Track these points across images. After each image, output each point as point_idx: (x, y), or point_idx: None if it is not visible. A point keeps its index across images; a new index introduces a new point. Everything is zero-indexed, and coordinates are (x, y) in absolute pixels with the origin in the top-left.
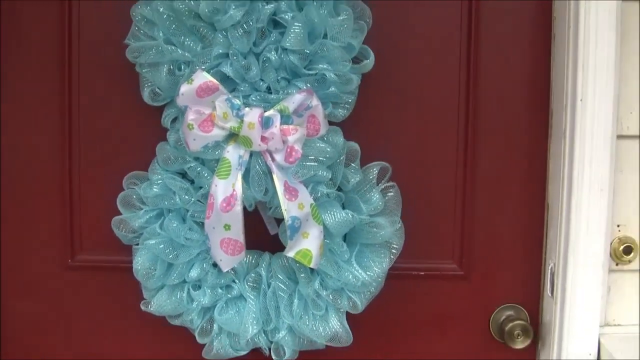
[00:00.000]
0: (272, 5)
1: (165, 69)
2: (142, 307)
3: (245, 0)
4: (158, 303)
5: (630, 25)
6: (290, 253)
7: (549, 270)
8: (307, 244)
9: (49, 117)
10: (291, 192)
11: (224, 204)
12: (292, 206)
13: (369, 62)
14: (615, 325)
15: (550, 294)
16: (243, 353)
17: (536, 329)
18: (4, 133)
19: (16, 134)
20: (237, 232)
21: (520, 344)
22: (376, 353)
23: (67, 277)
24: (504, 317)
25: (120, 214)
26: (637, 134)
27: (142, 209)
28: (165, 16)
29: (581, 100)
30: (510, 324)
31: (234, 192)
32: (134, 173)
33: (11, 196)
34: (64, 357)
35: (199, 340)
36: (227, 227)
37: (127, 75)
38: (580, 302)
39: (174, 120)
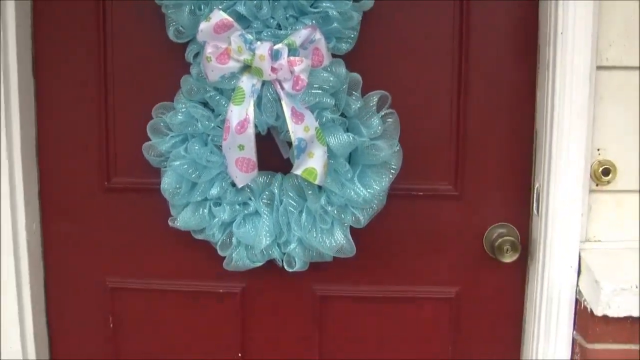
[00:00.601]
0: None
1: (187, 9)
2: (170, 223)
3: None
4: (183, 219)
5: None
6: (298, 171)
7: (536, 191)
8: (313, 163)
9: (86, 53)
10: (298, 116)
11: (238, 127)
12: (298, 129)
13: (369, 2)
14: (595, 241)
15: (536, 213)
16: (259, 264)
17: (525, 245)
18: (42, 68)
19: (54, 67)
20: (250, 152)
21: (509, 258)
22: (377, 265)
23: (104, 198)
24: (495, 234)
25: (150, 140)
26: (616, 65)
27: (168, 134)
28: None
29: (562, 33)
30: (500, 240)
31: (247, 117)
32: (161, 103)
33: (51, 126)
34: (102, 271)
35: (220, 252)
36: (241, 147)
37: (155, 15)
38: (562, 219)
39: (196, 55)
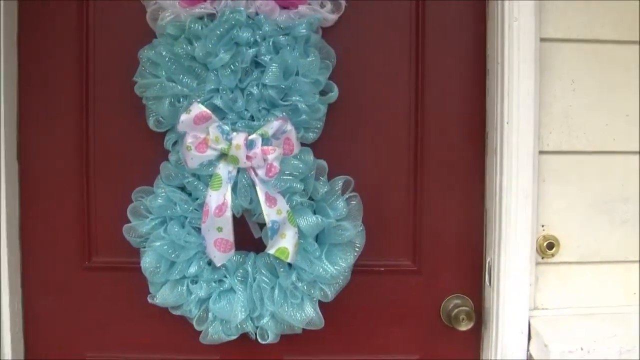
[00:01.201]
0: (254, 49)
1: (167, 102)
2: (149, 300)
3: (232, 45)
4: (162, 296)
5: (547, 61)
6: (271, 250)
7: (487, 265)
8: (285, 243)
9: (69, 140)
10: (271, 200)
11: (217, 211)
12: (271, 212)
13: (334, 94)
14: (542, 308)
15: (489, 284)
16: (233, 337)
17: (479, 313)
18: (25, 156)
19: (36, 154)
20: (228, 233)
21: (465, 326)
22: (343, 335)
23: (84, 276)
24: (452, 305)
25: (129, 222)
26: (556, 149)
27: (148, 217)
28: (167, 58)
29: (507, 122)
30: (456, 310)
31: (225, 201)
32: (141, 188)
33: (33, 208)
34: (82, 345)
35: (197, 327)
36: (219, 229)
37: (135, 106)
38: (512, 290)
39: (175, 143)
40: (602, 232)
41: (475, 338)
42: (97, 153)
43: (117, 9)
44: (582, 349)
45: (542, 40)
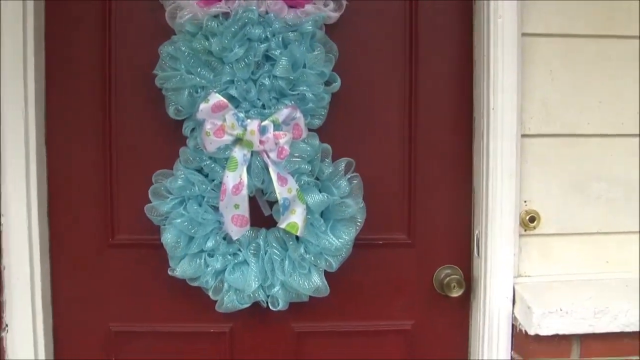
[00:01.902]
0: (265, 45)
1: (186, 92)
2: (169, 273)
3: (245, 41)
4: (181, 269)
5: (528, 54)
6: (283, 225)
7: (476, 237)
8: (295, 218)
9: (93, 130)
10: (282, 180)
11: (234, 189)
12: (283, 190)
13: (337, 85)
14: (525, 276)
15: (477, 255)
16: (246, 305)
17: (468, 282)
18: (52, 141)
19: (63, 140)
20: (244, 210)
21: (455, 293)
22: (346, 303)
23: (108, 253)
24: (443, 274)
25: (150, 202)
26: (536, 133)
27: (168, 197)
28: (186, 53)
29: (493, 109)
30: (447, 278)
31: (241, 181)
32: (161, 171)
33: (60, 191)
34: (106, 317)
35: (213, 296)
36: (236, 206)
37: (154, 97)
38: (498, 259)
39: (192, 130)
40: (578, 207)
41: (465, 304)
42: (120, 140)
43: (136, 8)
44: (560, 310)
45: (524, 35)
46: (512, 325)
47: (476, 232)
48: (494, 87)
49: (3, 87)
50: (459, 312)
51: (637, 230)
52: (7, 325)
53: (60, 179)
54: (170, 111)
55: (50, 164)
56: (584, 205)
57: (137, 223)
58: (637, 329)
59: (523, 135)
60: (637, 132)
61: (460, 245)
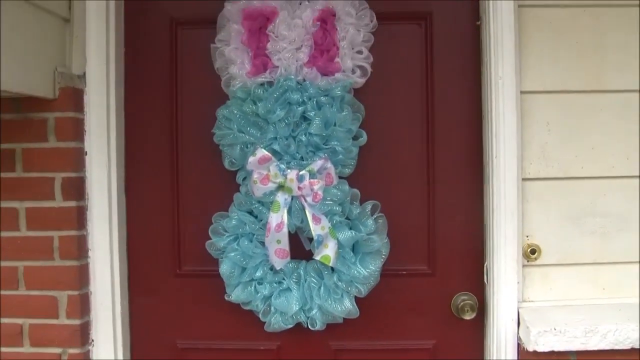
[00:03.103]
0: (302, 107)
1: (238, 148)
2: (226, 298)
3: (286, 104)
4: (236, 294)
5: (527, 108)
6: (317, 257)
7: (485, 268)
8: (327, 251)
9: (164, 177)
10: (317, 219)
11: (277, 228)
12: (317, 228)
13: (363, 139)
14: (529, 301)
15: (487, 283)
16: (290, 326)
17: (481, 306)
18: (130, 190)
19: (139, 189)
20: (285, 244)
21: (469, 316)
22: (374, 324)
23: (175, 281)
24: (460, 300)
25: (210, 239)
26: (536, 177)
27: (224, 234)
28: (238, 115)
29: (496, 157)
30: (462, 303)
31: (282, 220)
32: (219, 213)
33: (137, 230)
34: (174, 335)
35: (262, 318)
36: (278, 241)
37: (214, 151)
38: (505, 287)
39: (244, 179)
40: (575, 241)
41: (479, 325)
42: (186, 187)
43: (198, 78)
44: (554, 329)
45: (522, 92)
46: (518, 344)
47: (486, 263)
48: (496, 138)
49: (91, 146)
50: (473, 333)
51: (629, 260)
52: (93, 340)
53: (136, 221)
54: (226, 163)
55: (129, 208)
56: (580, 239)
57: (200, 256)
58: (628, 347)
59: (524, 179)
60: (626, 174)
61: (474, 275)
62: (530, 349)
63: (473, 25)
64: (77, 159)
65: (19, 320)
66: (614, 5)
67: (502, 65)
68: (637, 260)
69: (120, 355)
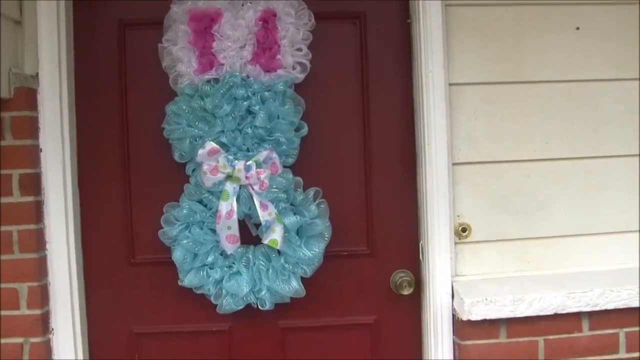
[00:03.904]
0: (247, 102)
1: (187, 141)
2: (179, 283)
3: (232, 99)
4: (188, 280)
5: (455, 99)
6: (266, 241)
7: (421, 246)
8: (275, 235)
9: (116, 170)
10: (264, 206)
11: (227, 215)
12: (265, 214)
13: (304, 130)
14: (461, 275)
15: (422, 260)
16: (241, 307)
17: (417, 282)
18: (83, 182)
19: (91, 181)
20: (235, 230)
21: (407, 291)
22: (320, 303)
23: (129, 269)
24: (398, 277)
25: (162, 228)
26: (464, 161)
27: (176, 223)
28: (186, 110)
29: (428, 144)
30: (400, 280)
31: (232, 208)
32: (170, 203)
33: (91, 220)
34: (129, 321)
35: (214, 301)
36: (229, 227)
37: (163, 145)
38: (439, 263)
39: (193, 170)
40: (501, 219)
41: (416, 300)
42: (137, 180)
43: (146, 76)
44: (486, 299)
45: (451, 84)
46: (453, 315)
47: (421, 241)
48: (427, 127)
49: (46, 143)
50: (411, 307)
51: (551, 235)
52: (53, 329)
53: (90, 213)
54: (176, 156)
55: (83, 202)
56: (506, 217)
57: (152, 245)
58: (551, 313)
59: (454, 164)
60: (546, 157)
61: (410, 253)
62: (465, 318)
63: (404, 23)
64: (33, 156)
65: None
66: (533, 4)
67: (432, 60)
68: (559, 234)
69: (79, 343)
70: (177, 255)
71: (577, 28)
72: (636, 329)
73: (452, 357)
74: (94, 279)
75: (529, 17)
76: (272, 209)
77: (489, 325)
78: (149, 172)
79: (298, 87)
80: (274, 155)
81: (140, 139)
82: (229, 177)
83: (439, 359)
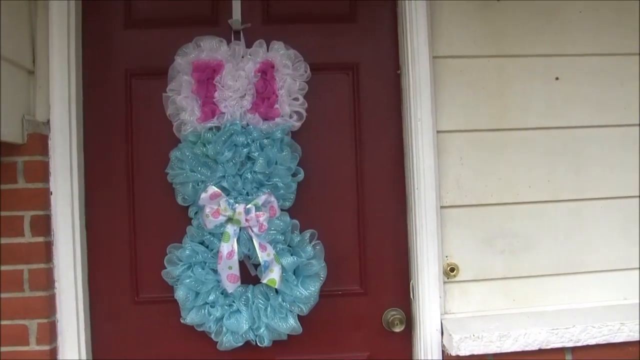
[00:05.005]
0: (247, 149)
1: (190, 185)
2: (181, 321)
3: (232, 146)
4: (190, 317)
5: (443, 145)
6: (264, 280)
7: (411, 285)
8: (273, 275)
9: (122, 213)
10: (263, 247)
11: (228, 255)
12: (263, 255)
13: (301, 176)
14: (450, 313)
15: (413, 299)
16: (240, 344)
17: (409, 320)
18: (90, 225)
19: (99, 224)
20: (236, 270)
21: (399, 328)
22: (315, 339)
23: (134, 308)
24: (390, 315)
25: (166, 268)
26: (452, 204)
27: (179, 263)
28: (189, 156)
29: (417, 188)
30: (392, 318)
31: (233, 249)
32: (173, 244)
33: (97, 261)
34: (135, 357)
35: (215, 338)
36: (230, 267)
37: (167, 189)
38: (428, 302)
39: (196, 213)
40: (487, 259)
41: (407, 336)
42: (142, 222)
43: (151, 123)
44: (473, 335)
45: (438, 132)
46: (442, 350)
47: (411, 281)
48: (417, 171)
49: (56, 186)
50: (402, 344)
51: (535, 274)
52: None
53: (97, 254)
54: (179, 199)
55: (90, 242)
56: (492, 257)
57: (156, 284)
58: (535, 348)
59: (442, 207)
60: (529, 200)
61: (401, 292)
62: (454, 353)
63: (394, 74)
64: (44, 199)
65: None
66: (515, 55)
67: (420, 108)
68: (543, 274)
69: None
70: (180, 294)
71: (557, 78)
72: None
73: None
74: (100, 316)
75: (512, 68)
76: (270, 250)
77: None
78: (153, 215)
79: (295, 134)
80: (272, 199)
81: (145, 183)
82: (229, 219)
83: None
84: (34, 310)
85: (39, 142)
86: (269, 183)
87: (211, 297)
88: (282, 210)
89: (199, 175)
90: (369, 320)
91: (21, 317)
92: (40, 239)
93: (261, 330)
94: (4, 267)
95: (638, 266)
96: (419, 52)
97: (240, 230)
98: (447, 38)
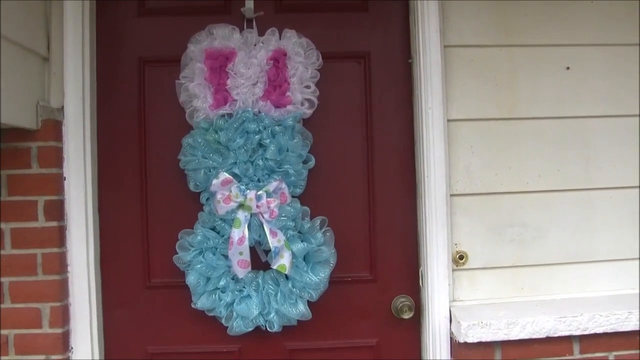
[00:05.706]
0: (259, 135)
1: (202, 172)
2: (192, 306)
3: (244, 133)
4: (201, 302)
5: (453, 134)
6: (275, 266)
7: (421, 273)
8: (283, 261)
9: (134, 200)
10: (273, 233)
11: (239, 241)
12: (274, 241)
13: (312, 163)
14: (459, 301)
15: (422, 286)
16: (250, 329)
17: (417, 307)
18: (103, 209)
19: (111, 208)
20: (246, 256)
21: (407, 315)
22: (325, 325)
23: (146, 292)
24: (399, 302)
25: (177, 253)
26: (461, 193)
27: (190, 249)
28: (201, 143)
29: (427, 176)
30: (401, 304)
31: (244, 235)
32: (184, 230)
33: (109, 247)
34: (144, 342)
35: (225, 323)
36: (240, 253)
37: (179, 175)
38: (437, 289)
39: (207, 199)
40: (496, 248)
41: (416, 323)
42: (154, 208)
43: (163, 110)
44: (481, 323)
45: (449, 120)
46: (450, 337)
47: (421, 268)
48: (427, 160)
49: (69, 172)
50: (411, 330)
51: (544, 262)
52: (72, 347)
53: (109, 238)
54: (191, 186)
55: (103, 227)
56: (501, 246)
57: (167, 270)
58: (543, 336)
59: (452, 195)
60: (539, 189)
61: (411, 279)
62: (462, 340)
63: (406, 62)
64: (57, 184)
65: (5, 332)
66: (526, 45)
67: (431, 97)
68: (551, 262)
69: None
70: (191, 279)
71: (567, 68)
72: (625, 352)
73: None
74: (112, 300)
75: (523, 57)
76: (281, 236)
77: (485, 348)
78: (165, 201)
79: (306, 122)
80: (283, 185)
81: (157, 169)
82: (240, 205)
83: None
84: (46, 294)
85: (53, 128)
86: (280, 170)
87: (222, 283)
88: (292, 197)
89: (210, 162)
90: (378, 306)
91: (34, 300)
92: (54, 224)
93: (271, 316)
94: (17, 251)
95: None
96: (430, 41)
97: (251, 216)
98: (458, 27)
